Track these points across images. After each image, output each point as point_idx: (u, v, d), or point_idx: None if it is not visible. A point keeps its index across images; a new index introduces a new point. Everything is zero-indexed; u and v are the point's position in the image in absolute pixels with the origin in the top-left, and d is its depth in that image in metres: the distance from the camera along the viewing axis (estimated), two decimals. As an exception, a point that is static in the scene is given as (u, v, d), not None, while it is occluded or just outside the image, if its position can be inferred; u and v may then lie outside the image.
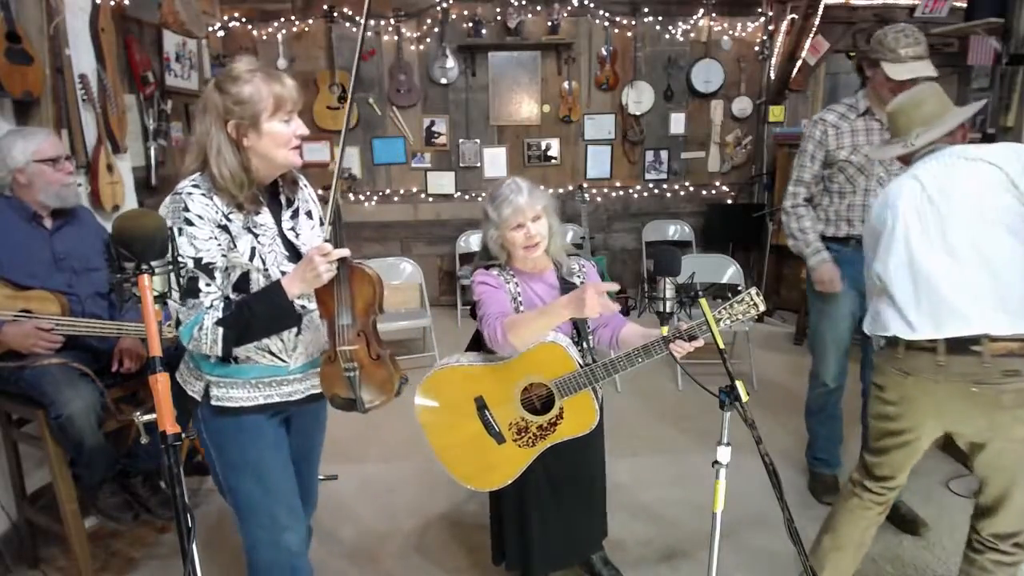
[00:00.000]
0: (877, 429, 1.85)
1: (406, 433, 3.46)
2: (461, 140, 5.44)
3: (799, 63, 5.04)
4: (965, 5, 3.14)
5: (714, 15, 5.32)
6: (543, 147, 5.52)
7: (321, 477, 3.00)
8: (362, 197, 5.48)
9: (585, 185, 5.52)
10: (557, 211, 1.98)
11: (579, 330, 2.00)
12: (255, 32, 5.10)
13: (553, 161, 5.52)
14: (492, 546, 2.27)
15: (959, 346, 1.60)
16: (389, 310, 4.58)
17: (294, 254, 1.60)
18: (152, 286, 1.19)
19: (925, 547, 2.48)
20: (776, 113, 5.37)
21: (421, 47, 5.24)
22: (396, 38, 5.17)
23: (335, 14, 5.02)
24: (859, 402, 2.68)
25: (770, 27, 5.27)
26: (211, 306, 1.45)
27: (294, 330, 1.61)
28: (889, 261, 1.70)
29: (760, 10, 5.33)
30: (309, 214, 1.70)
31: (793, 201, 2.64)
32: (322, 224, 1.70)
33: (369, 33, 5.17)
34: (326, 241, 1.50)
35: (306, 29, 5.12)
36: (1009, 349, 1.56)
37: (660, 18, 5.32)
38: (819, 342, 2.70)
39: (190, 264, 1.43)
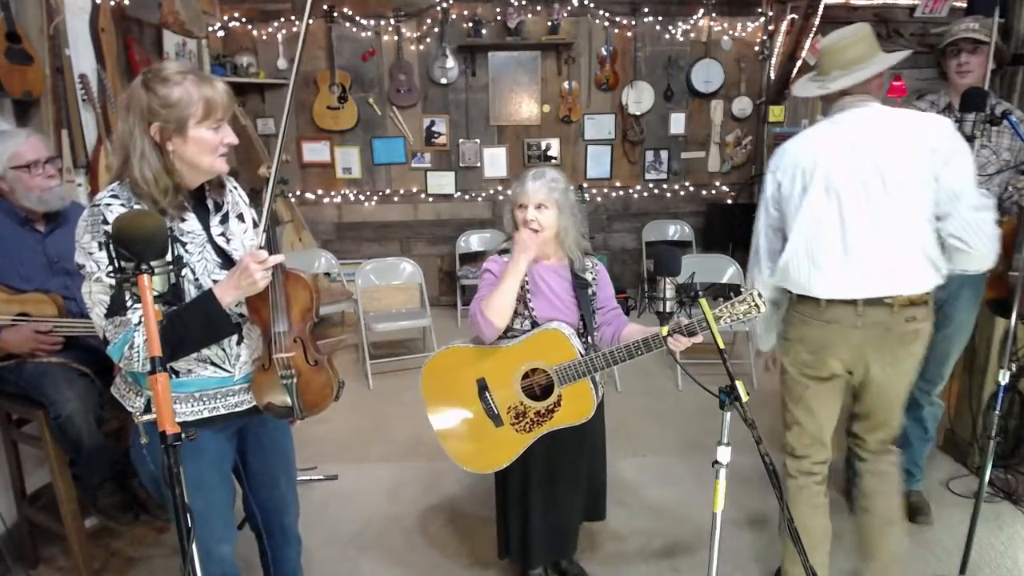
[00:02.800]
0: (793, 380, 2.01)
1: (407, 433, 3.46)
2: (461, 140, 5.44)
3: (799, 63, 5.03)
4: (965, 5, 3.14)
5: (714, 15, 5.32)
6: (543, 147, 5.52)
7: (321, 477, 3.01)
8: (362, 197, 5.48)
9: (585, 185, 5.52)
10: (574, 210, 2.03)
11: (586, 324, 2.02)
12: (255, 32, 5.10)
13: (553, 161, 5.52)
14: (498, 541, 2.28)
15: (875, 300, 1.84)
16: (389, 310, 4.61)
17: (226, 260, 1.54)
18: (152, 286, 1.18)
19: (925, 547, 2.48)
20: (776, 113, 5.37)
21: (421, 47, 5.24)
22: (396, 38, 5.16)
23: (335, 14, 5.02)
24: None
25: (770, 27, 5.27)
26: (140, 322, 1.38)
27: (235, 338, 1.56)
28: (820, 227, 1.83)
29: (760, 10, 5.32)
30: (240, 217, 1.63)
31: None
32: (256, 227, 1.64)
33: (369, 33, 5.17)
34: (260, 248, 1.45)
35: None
36: (911, 301, 1.84)
37: (660, 18, 5.32)
38: None
39: (113, 280, 1.35)
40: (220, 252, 1.54)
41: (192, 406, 1.53)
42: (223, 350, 1.55)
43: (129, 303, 1.38)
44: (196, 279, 1.47)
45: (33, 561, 2.44)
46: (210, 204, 1.57)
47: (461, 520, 2.72)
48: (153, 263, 1.19)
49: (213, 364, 1.55)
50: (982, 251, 1.77)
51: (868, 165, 1.79)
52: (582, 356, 1.90)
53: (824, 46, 1.91)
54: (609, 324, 2.09)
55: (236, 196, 1.66)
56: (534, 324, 1.99)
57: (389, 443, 3.38)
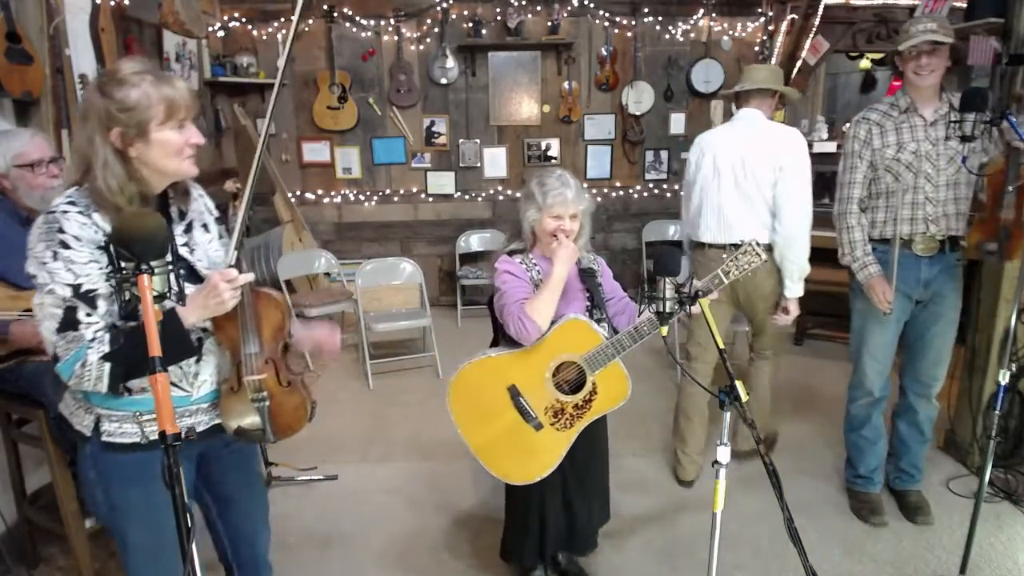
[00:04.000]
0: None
1: (407, 433, 3.46)
2: (461, 140, 5.44)
3: (799, 63, 5.03)
4: (965, 5, 3.14)
5: (714, 15, 5.32)
6: (543, 147, 5.52)
7: (321, 477, 3.01)
8: (362, 197, 5.49)
9: (585, 185, 5.51)
10: (591, 214, 2.05)
11: (593, 310, 2.02)
12: (255, 32, 5.10)
13: (553, 161, 5.52)
14: (503, 542, 2.26)
15: (735, 246, 2.53)
16: (389, 310, 4.62)
17: (189, 272, 1.46)
18: (152, 286, 1.18)
19: (925, 547, 2.48)
20: (776, 114, 5.36)
21: (421, 47, 5.24)
22: (396, 38, 5.17)
23: (335, 14, 5.02)
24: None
25: (770, 27, 5.27)
26: (94, 339, 1.30)
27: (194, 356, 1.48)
28: (706, 194, 2.74)
29: (760, 10, 5.32)
30: (206, 227, 1.55)
31: (842, 207, 2.53)
32: (221, 238, 1.59)
33: (369, 33, 5.17)
34: (231, 266, 1.39)
35: (306, 29, 5.12)
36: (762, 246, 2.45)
37: (660, 18, 5.32)
38: (862, 348, 2.59)
39: (67, 293, 1.29)
40: (183, 263, 1.46)
41: (145, 427, 1.45)
42: (180, 368, 1.47)
43: (82, 316, 1.30)
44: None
45: (33, 561, 2.44)
46: (174, 212, 1.49)
47: (461, 519, 2.72)
48: (153, 263, 1.18)
49: (170, 383, 1.45)
50: (788, 227, 2.62)
51: (739, 156, 2.66)
52: (607, 339, 1.89)
53: (746, 68, 2.82)
54: (622, 312, 2.11)
55: (202, 204, 1.58)
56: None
57: (389, 443, 3.38)
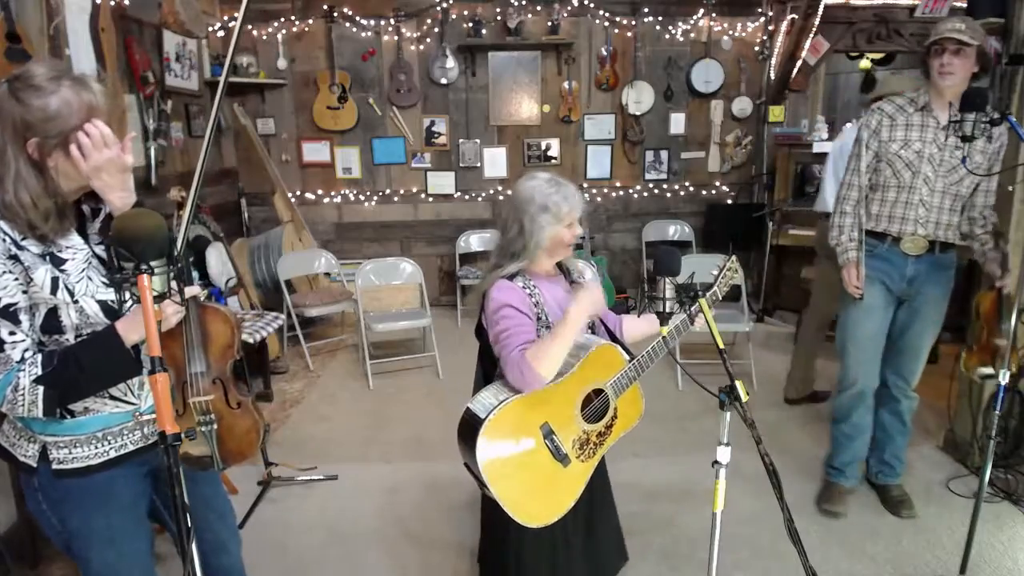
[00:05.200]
0: None
1: (407, 433, 3.46)
2: (461, 140, 5.44)
3: (799, 63, 5.03)
4: (965, 5, 3.14)
5: (714, 15, 5.32)
6: (543, 147, 5.52)
7: (321, 477, 3.01)
8: (362, 197, 5.49)
9: (585, 185, 5.52)
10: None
11: (592, 327, 1.98)
12: (255, 32, 5.10)
13: (553, 161, 5.52)
14: None
15: (824, 215, 3.46)
16: (389, 310, 4.62)
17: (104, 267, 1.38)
18: (152, 286, 1.18)
19: (925, 547, 2.48)
20: (776, 113, 5.36)
21: (421, 47, 5.24)
22: (396, 38, 5.17)
23: (335, 14, 5.02)
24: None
25: (770, 27, 5.27)
26: (22, 359, 1.22)
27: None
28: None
29: (760, 10, 5.32)
30: None
31: (842, 191, 2.57)
32: None
33: (369, 33, 5.17)
34: (175, 279, 1.31)
35: (306, 29, 5.12)
36: (823, 227, 3.42)
37: (660, 18, 5.32)
38: (847, 339, 2.61)
39: None
40: (103, 264, 1.37)
41: (96, 447, 1.37)
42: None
43: (6, 336, 1.22)
44: (75, 301, 1.29)
45: (33, 561, 2.44)
46: (86, 210, 1.39)
47: (462, 520, 2.72)
48: (153, 263, 1.18)
49: (114, 398, 1.39)
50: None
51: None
52: (628, 362, 1.83)
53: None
54: (607, 319, 2.08)
55: None
56: None
57: (389, 443, 3.38)
